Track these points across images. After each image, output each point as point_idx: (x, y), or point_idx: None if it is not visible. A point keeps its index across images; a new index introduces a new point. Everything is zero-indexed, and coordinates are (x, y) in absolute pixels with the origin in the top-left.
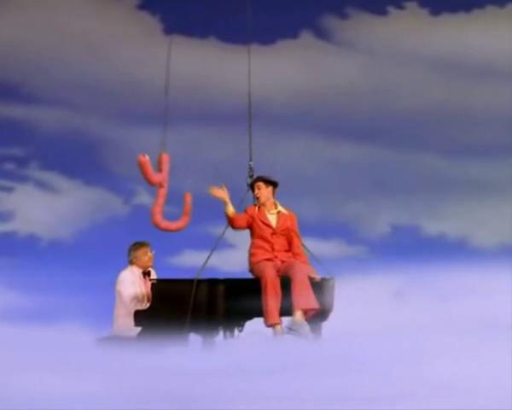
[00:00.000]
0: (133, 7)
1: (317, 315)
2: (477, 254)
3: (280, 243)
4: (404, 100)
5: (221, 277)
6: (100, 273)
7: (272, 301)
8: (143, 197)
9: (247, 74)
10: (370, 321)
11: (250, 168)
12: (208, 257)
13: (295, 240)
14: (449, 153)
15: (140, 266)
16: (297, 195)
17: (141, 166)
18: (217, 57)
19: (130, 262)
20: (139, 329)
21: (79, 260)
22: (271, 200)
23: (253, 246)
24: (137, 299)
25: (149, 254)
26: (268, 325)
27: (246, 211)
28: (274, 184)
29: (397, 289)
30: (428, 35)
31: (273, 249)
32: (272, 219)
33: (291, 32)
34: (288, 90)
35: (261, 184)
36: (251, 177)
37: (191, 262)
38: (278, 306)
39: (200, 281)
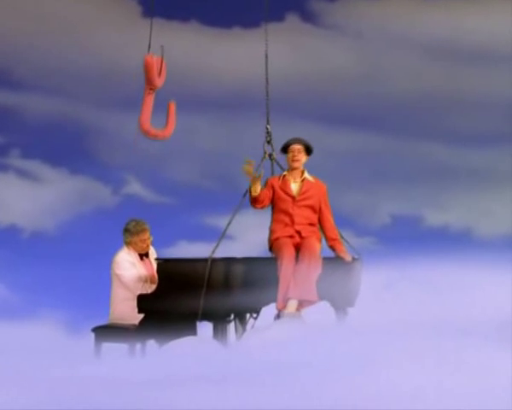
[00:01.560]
0: None
1: (343, 300)
2: (481, 246)
3: (302, 214)
4: (396, 85)
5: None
6: (85, 266)
7: (285, 281)
8: (134, 187)
9: (230, 58)
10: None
11: (267, 132)
12: (222, 235)
13: (325, 213)
14: (446, 140)
15: (136, 250)
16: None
17: (146, 67)
18: (198, 41)
19: (126, 244)
20: (140, 316)
21: (63, 253)
22: (301, 168)
23: (272, 222)
24: (142, 280)
25: (148, 241)
26: (279, 309)
27: (266, 183)
28: (309, 153)
29: (386, 283)
30: (420, 19)
31: (293, 222)
32: (295, 187)
33: (277, 16)
34: (273, 75)
35: (301, 148)
36: (268, 142)
37: (185, 253)
38: None
39: (214, 260)
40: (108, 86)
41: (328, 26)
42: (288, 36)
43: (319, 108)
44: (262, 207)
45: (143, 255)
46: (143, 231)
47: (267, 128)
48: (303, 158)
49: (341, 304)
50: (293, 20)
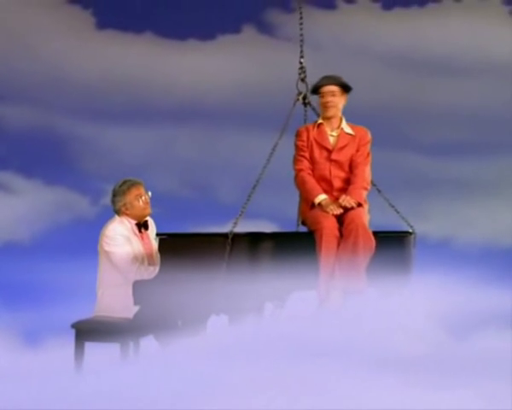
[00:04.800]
0: (64, 1)
1: (392, 285)
2: (460, 256)
3: (342, 177)
4: (355, 96)
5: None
6: (61, 277)
7: (328, 261)
8: None
9: (188, 70)
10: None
11: (301, 67)
12: (247, 203)
13: (359, 167)
14: (412, 149)
15: (133, 217)
16: (261, 198)
17: None
18: (155, 52)
19: (118, 212)
20: (136, 308)
21: (38, 263)
22: (339, 114)
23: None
24: (137, 260)
25: (145, 196)
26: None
27: (299, 136)
28: (348, 91)
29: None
30: (379, 29)
31: (332, 188)
32: (333, 141)
33: (232, 27)
34: (230, 86)
35: (336, 89)
36: (303, 80)
37: None
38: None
39: (237, 235)
40: (71, 96)
41: (285, 37)
42: (244, 47)
43: (278, 119)
44: None
45: (142, 227)
46: (136, 184)
47: (301, 62)
48: (339, 102)
49: (388, 290)
50: (249, 31)
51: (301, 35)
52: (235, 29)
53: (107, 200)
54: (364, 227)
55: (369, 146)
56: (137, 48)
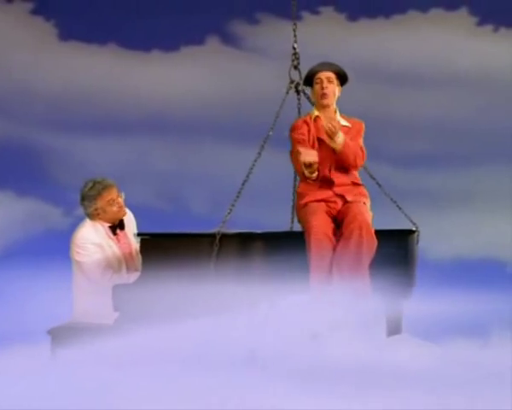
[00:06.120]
0: (26, 12)
1: (397, 289)
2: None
3: (343, 174)
4: None
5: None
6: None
7: (318, 264)
8: None
9: (151, 81)
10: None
11: (295, 52)
12: (232, 207)
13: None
14: (384, 160)
15: (106, 220)
16: (223, 209)
17: None
18: (119, 64)
19: (90, 216)
20: (116, 314)
21: (10, 274)
22: (334, 105)
23: (300, 182)
24: (111, 267)
25: (118, 200)
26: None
27: (295, 129)
28: (344, 81)
29: None
30: (345, 40)
31: (333, 185)
32: None
33: (196, 39)
34: (194, 98)
35: (332, 76)
36: (295, 67)
37: None
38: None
39: (225, 235)
40: (38, 107)
41: (249, 48)
42: (208, 59)
43: (242, 131)
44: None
45: (117, 228)
46: (107, 188)
47: (294, 47)
48: (336, 90)
49: (394, 295)
50: (213, 42)
51: (294, 19)
52: (199, 40)
53: (81, 211)
54: (368, 225)
55: (362, 136)
56: (102, 59)
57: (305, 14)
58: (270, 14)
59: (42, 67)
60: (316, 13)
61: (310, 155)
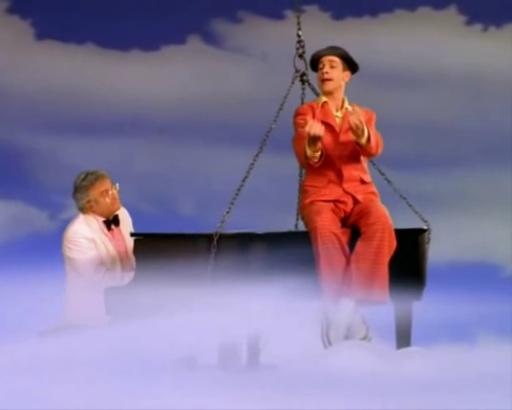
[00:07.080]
0: (2, 10)
1: (406, 291)
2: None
3: (352, 165)
4: None
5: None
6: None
7: (328, 268)
8: (72, 212)
9: (130, 81)
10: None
11: (299, 40)
12: (231, 205)
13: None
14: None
15: (100, 214)
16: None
17: None
18: (97, 63)
19: (82, 209)
20: (109, 318)
21: None
22: (342, 93)
23: (307, 176)
24: (105, 265)
25: (111, 191)
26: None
27: (297, 118)
28: (353, 69)
29: None
30: (331, 40)
31: (342, 178)
32: (338, 121)
33: (177, 38)
34: (175, 98)
35: (337, 59)
36: (300, 56)
37: None
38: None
39: (223, 236)
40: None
41: (231, 48)
42: (189, 58)
43: (225, 131)
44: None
45: (112, 223)
46: (100, 178)
47: (299, 35)
48: (339, 75)
49: (404, 297)
50: (194, 42)
51: (298, 8)
52: (180, 39)
53: (66, 214)
54: (391, 229)
55: (374, 125)
56: (79, 59)
57: (290, 14)
58: (251, 13)
59: (18, 67)
60: (300, 11)
61: (316, 127)
